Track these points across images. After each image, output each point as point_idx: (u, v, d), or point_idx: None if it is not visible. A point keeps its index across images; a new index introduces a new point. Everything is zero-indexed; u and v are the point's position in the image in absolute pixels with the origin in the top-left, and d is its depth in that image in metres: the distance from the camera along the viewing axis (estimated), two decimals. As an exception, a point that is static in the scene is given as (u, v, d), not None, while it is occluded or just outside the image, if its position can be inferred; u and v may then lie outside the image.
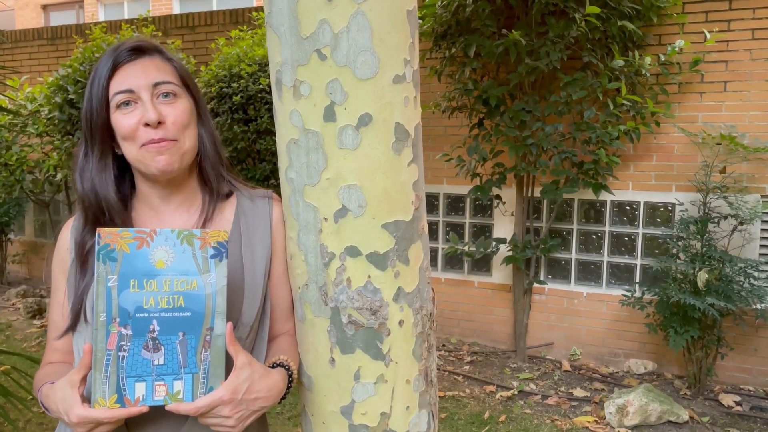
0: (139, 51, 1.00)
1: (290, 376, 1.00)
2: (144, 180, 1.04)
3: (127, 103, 0.97)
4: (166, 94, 0.99)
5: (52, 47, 6.29)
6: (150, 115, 0.96)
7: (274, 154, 4.09)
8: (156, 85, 0.98)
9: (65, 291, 1.03)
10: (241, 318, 1.02)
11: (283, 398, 0.99)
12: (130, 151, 0.99)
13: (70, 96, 4.36)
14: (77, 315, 0.99)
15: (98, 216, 1.01)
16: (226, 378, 0.90)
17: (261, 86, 3.95)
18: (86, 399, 0.88)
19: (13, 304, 5.65)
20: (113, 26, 5.74)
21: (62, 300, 1.04)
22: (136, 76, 0.98)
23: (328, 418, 1.05)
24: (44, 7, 12.32)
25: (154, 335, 0.88)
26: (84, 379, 0.87)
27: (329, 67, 0.94)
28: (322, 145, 0.96)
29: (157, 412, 0.93)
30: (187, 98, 1.03)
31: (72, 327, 1.01)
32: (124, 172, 1.05)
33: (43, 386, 0.98)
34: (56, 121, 4.57)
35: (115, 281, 0.86)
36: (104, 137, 1.00)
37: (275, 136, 1.07)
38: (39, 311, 5.34)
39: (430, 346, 1.08)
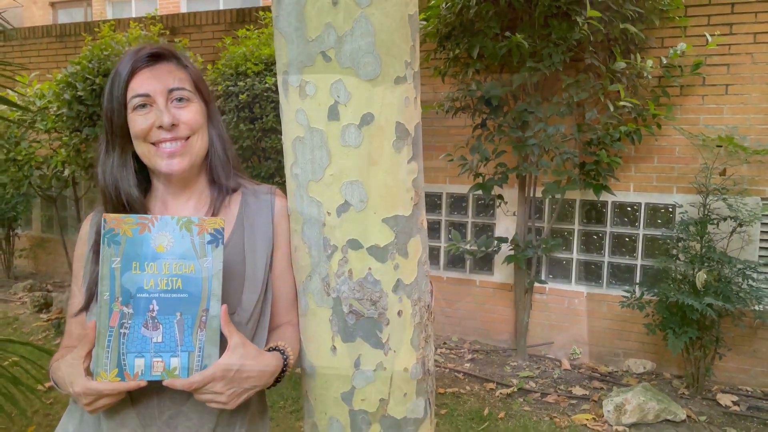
0: (157, 57, 1.07)
1: (285, 360, 1.05)
2: (156, 177, 1.11)
3: (143, 105, 1.05)
4: (180, 99, 1.06)
5: (61, 44, 6.36)
6: (164, 119, 1.03)
7: (279, 152, 4.14)
8: (171, 90, 1.05)
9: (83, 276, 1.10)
10: (241, 305, 1.07)
11: (277, 381, 1.04)
12: (140, 148, 1.07)
13: (78, 93, 4.43)
14: (91, 296, 1.06)
15: (117, 208, 1.07)
16: (220, 357, 0.95)
17: (267, 85, 4.00)
18: (91, 373, 0.94)
19: (20, 298, 5.72)
20: (122, 24, 5.80)
21: (81, 285, 1.10)
22: (152, 81, 1.05)
23: (329, 404, 1.10)
24: (53, 4, 12.40)
25: (154, 314, 0.94)
26: (89, 354, 0.95)
27: (333, 68, 0.99)
28: (326, 143, 1.01)
29: (162, 387, 0.98)
30: (199, 102, 1.10)
31: (85, 307, 1.07)
32: (143, 168, 1.11)
33: (54, 362, 1.04)
34: (65, 118, 4.63)
35: (118, 263, 0.92)
36: (124, 135, 1.07)
37: (280, 134, 1.12)
38: (46, 305, 5.41)
39: (427, 337, 1.13)
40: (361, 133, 1.00)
